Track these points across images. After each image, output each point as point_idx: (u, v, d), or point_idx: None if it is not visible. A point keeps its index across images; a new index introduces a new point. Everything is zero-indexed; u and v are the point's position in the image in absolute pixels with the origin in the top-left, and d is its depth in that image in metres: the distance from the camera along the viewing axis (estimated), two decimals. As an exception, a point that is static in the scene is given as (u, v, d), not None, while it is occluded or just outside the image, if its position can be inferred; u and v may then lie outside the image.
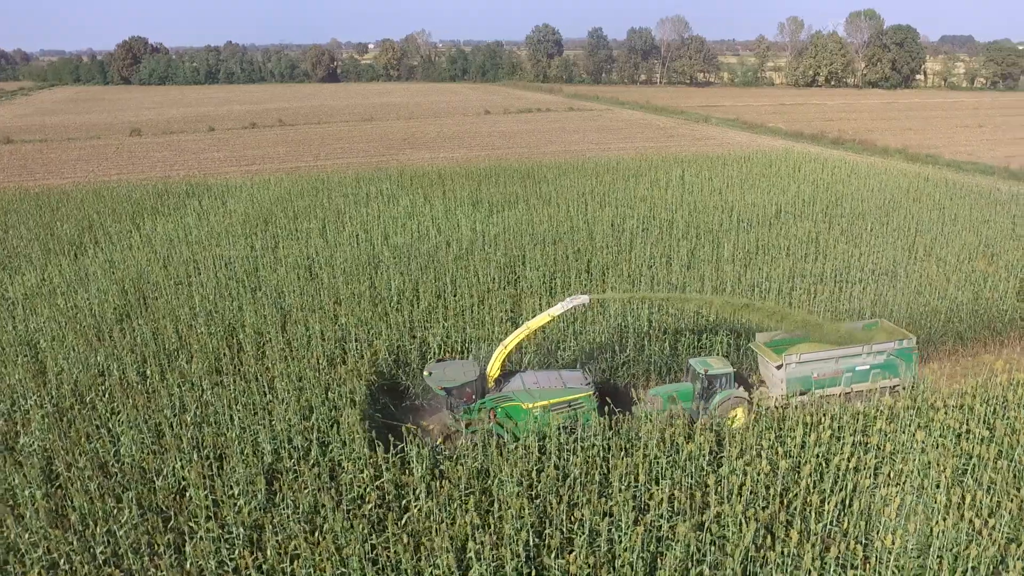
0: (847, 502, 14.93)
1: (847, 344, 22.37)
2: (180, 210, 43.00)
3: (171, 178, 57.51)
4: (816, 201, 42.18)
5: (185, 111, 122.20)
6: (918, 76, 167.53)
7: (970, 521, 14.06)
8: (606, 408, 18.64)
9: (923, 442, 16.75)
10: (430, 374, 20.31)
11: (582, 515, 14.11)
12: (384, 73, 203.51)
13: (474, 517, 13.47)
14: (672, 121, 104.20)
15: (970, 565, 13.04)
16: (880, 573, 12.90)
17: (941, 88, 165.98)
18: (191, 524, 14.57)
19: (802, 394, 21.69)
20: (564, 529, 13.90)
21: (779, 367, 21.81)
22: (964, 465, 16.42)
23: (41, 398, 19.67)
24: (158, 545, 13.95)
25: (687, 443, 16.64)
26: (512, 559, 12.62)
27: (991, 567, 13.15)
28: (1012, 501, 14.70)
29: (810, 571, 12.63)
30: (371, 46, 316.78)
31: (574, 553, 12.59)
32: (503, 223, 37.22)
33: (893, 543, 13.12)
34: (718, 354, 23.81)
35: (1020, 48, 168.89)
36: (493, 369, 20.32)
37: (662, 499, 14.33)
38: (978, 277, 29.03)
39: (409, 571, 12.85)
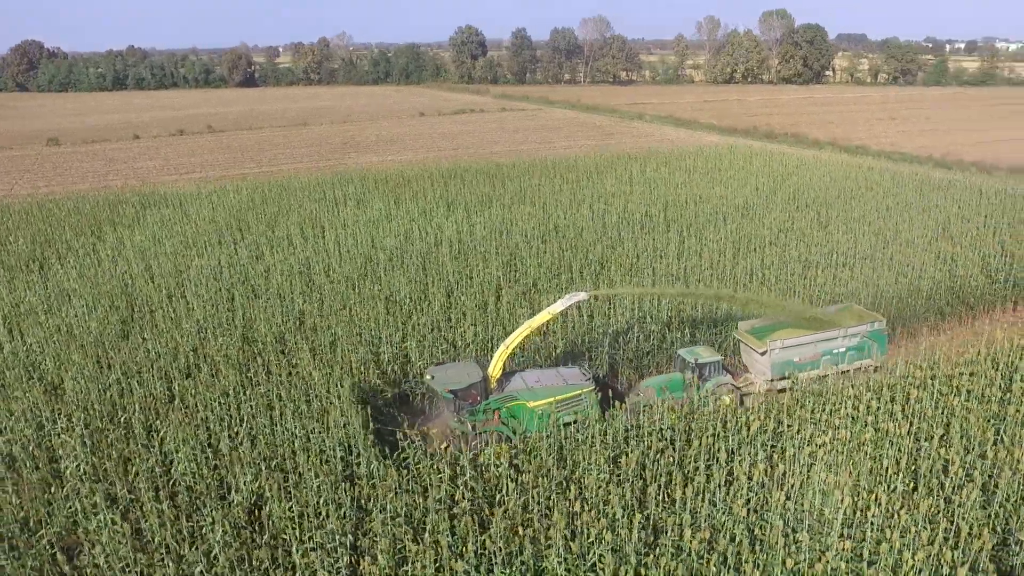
0: (913, 464, 16.01)
1: (823, 328, 23.26)
2: (141, 220, 41.23)
3: (108, 188, 54.98)
4: (777, 192, 44.19)
5: (102, 119, 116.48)
6: (827, 72, 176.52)
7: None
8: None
9: (959, 406, 18.07)
10: (432, 378, 20.13)
11: (673, 494, 14.67)
12: (305, 77, 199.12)
13: (582, 505, 13.75)
14: (607, 119, 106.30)
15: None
16: (962, 519, 13.90)
17: (849, 83, 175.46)
18: (284, 537, 14.33)
19: (784, 379, 22.42)
20: (664, 509, 14.41)
21: (763, 353, 22.59)
22: (996, 424, 17.80)
23: (70, 421, 18.72)
24: (260, 561, 13.65)
25: (746, 426, 17.41)
26: (630, 540, 12.99)
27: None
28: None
29: (903, 527, 13.50)
30: (281, 49, 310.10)
31: (687, 530, 13.05)
32: (487, 223, 37.44)
33: (970, 495, 14.23)
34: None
35: (915, 45, 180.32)
36: (495, 369, 20.26)
37: (748, 474, 15.00)
38: (947, 257, 31.21)
39: (531, 563, 13.05)
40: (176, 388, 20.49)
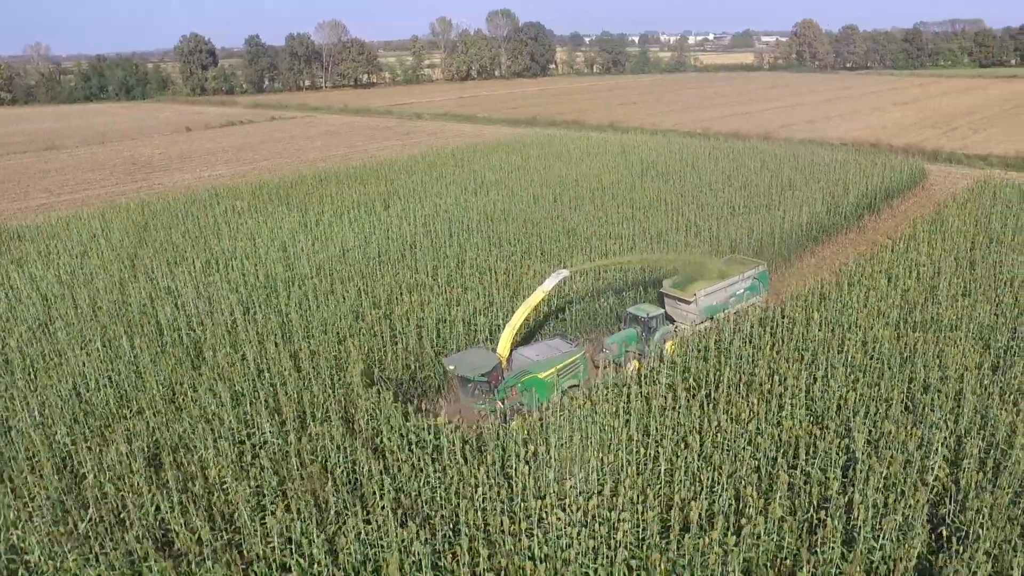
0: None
1: (725, 277, 27.40)
2: (25, 258, 36.69)
3: None
4: (626, 168, 51.94)
5: None
6: (552, 65, 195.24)
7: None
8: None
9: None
10: (454, 367, 21.41)
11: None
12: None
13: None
14: (388, 120, 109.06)
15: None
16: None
17: (570, 75, 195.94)
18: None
19: (704, 321, 26.85)
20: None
21: (690, 302, 26.46)
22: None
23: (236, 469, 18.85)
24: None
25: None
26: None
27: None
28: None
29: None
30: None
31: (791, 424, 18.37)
32: (421, 218, 39.91)
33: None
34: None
35: (618, 39, 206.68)
36: (505, 350, 22.10)
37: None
38: (799, 202, 40.69)
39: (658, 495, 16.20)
40: (330, 395, 21.04)
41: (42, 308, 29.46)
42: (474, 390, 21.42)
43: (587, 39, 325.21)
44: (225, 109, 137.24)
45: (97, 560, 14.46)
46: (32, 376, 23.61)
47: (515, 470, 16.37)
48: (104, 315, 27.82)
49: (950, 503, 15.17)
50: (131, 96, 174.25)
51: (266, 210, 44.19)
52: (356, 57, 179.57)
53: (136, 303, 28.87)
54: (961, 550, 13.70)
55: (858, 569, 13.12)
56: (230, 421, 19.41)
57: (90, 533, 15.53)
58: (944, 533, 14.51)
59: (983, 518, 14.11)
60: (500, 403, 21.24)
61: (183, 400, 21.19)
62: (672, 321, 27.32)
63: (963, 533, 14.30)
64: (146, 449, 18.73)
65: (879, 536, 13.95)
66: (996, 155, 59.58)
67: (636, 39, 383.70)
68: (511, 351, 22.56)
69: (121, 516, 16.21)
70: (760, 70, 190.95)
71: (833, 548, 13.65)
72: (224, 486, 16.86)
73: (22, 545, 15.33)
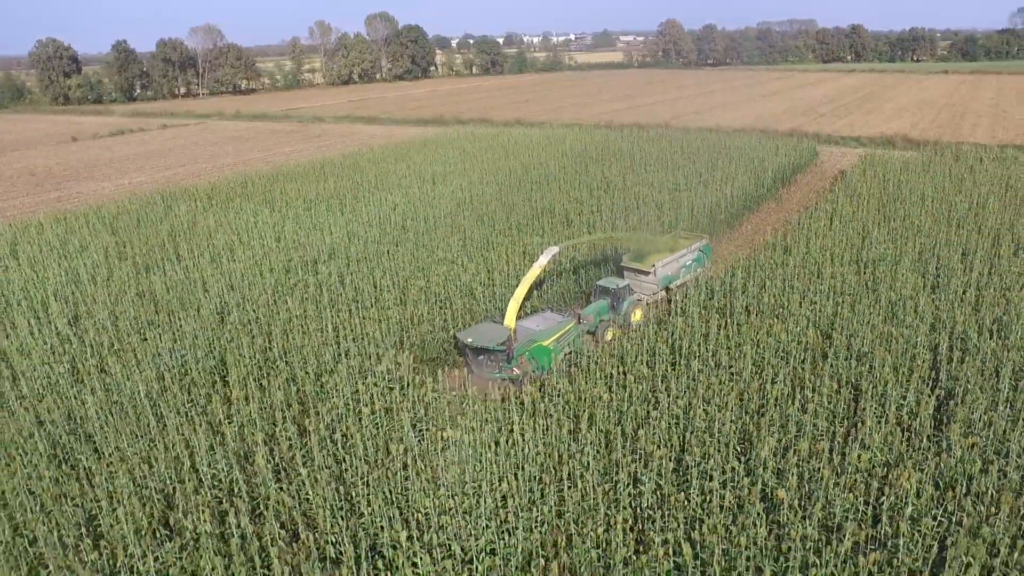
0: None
1: (676, 251, 30.46)
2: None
3: None
4: (563, 157, 56.61)
5: None
6: (432, 67, 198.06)
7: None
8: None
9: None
10: (471, 340, 23.27)
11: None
12: None
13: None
14: (291, 125, 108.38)
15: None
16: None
17: (451, 76, 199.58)
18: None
19: (663, 291, 30.81)
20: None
21: (648, 273, 29.29)
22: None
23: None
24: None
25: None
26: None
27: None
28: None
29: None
30: None
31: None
32: (399, 206, 42.66)
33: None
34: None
35: (494, 41, 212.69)
36: (511, 321, 24.15)
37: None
38: (730, 177, 46.79)
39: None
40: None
41: (57, 305, 30.14)
42: (487, 360, 24.08)
43: (453, 41, 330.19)
44: (102, 118, 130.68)
45: (314, 482, 16.95)
46: (104, 360, 24.92)
47: (630, 377, 20.40)
48: (142, 304, 29.02)
49: (941, 373, 20.58)
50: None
51: (234, 208, 45.26)
52: (234, 63, 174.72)
53: (170, 293, 30.23)
54: (959, 400, 19.05)
55: (895, 420, 18.09)
56: (353, 376, 22.09)
57: (280, 469, 17.99)
58: (942, 394, 19.86)
59: (966, 380, 19.58)
60: (514, 370, 23.94)
61: (281, 365, 23.49)
62: (632, 292, 30.71)
63: (956, 391, 19.67)
64: (277, 405, 21.10)
65: (904, 396, 19.04)
66: (865, 136, 69.26)
67: (501, 40, 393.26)
68: (515, 322, 24.90)
69: (292, 455, 18.68)
70: (631, 67, 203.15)
71: (873, 408, 18.61)
72: (381, 418, 19.66)
73: (216, 483, 17.67)
